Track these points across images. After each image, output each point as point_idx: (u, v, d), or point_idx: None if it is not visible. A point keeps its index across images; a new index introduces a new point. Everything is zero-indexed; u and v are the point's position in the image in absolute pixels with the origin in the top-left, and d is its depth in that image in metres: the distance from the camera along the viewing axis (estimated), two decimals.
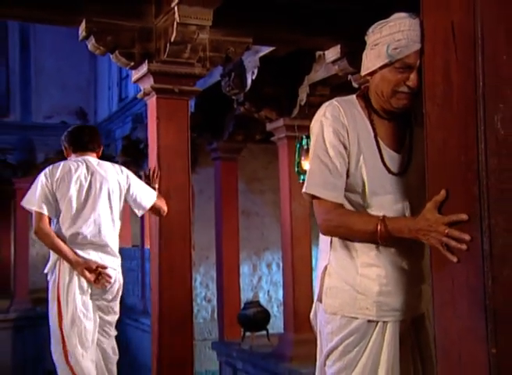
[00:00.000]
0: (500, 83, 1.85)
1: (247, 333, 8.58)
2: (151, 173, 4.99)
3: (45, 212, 4.57)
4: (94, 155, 4.88)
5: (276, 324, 10.32)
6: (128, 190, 4.80)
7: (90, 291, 4.63)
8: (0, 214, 17.89)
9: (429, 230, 2.10)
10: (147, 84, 5.01)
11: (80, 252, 4.58)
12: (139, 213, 4.92)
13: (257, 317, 8.46)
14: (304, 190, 2.52)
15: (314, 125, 2.52)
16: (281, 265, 8.58)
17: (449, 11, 1.95)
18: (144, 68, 4.94)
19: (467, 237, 1.93)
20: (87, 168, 4.72)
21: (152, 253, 5.13)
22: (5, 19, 11.89)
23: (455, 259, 1.97)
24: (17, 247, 14.43)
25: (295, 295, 7.43)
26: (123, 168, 4.94)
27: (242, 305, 8.96)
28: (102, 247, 4.67)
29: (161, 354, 4.92)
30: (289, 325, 7.60)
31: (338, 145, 2.43)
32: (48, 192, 4.61)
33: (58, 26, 8.01)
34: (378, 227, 2.30)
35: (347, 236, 2.48)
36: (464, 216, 1.95)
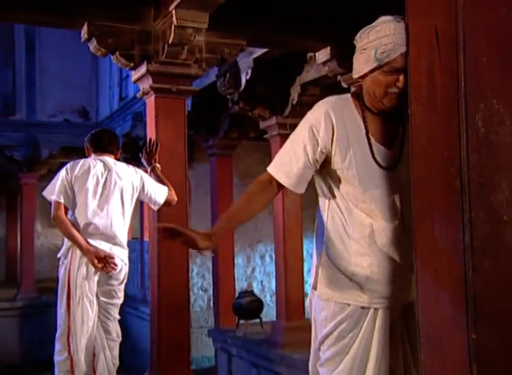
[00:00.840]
0: (481, 83, 1.86)
1: (242, 321, 8.59)
2: (150, 146, 5.01)
3: (63, 201, 4.78)
4: (112, 156, 5.10)
5: (269, 312, 10.33)
6: (142, 189, 4.97)
7: (96, 277, 4.81)
8: (7, 208, 17.91)
9: None
10: (146, 84, 5.01)
11: (91, 241, 4.77)
12: (155, 208, 5.04)
13: (251, 306, 8.47)
14: (268, 167, 2.63)
15: (303, 119, 2.59)
16: (273, 256, 8.58)
17: (432, 16, 1.95)
18: (143, 68, 4.94)
19: None
20: (104, 166, 4.93)
21: (151, 245, 5.14)
22: (12, 23, 11.86)
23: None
24: (23, 239, 14.40)
25: (287, 285, 7.44)
26: (137, 169, 5.10)
27: (236, 295, 8.97)
28: (112, 238, 4.85)
29: (160, 340, 4.94)
30: (281, 313, 7.62)
31: (308, 142, 2.50)
32: (66, 185, 4.82)
33: (62, 28, 7.98)
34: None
35: None
36: None
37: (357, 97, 2.58)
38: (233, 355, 8.47)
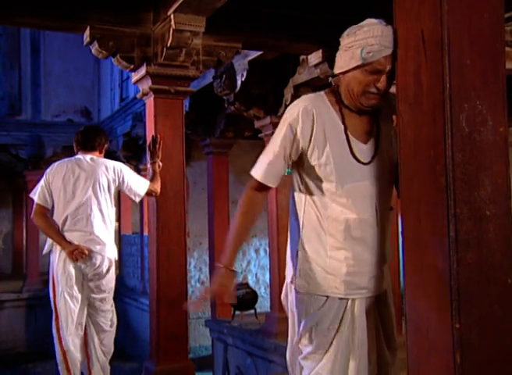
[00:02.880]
0: (465, 85, 1.86)
1: (237, 312, 8.58)
2: (154, 143, 4.98)
3: (40, 202, 4.94)
4: (96, 153, 5.13)
5: (263, 304, 10.35)
6: (122, 182, 4.98)
7: (74, 271, 4.88)
8: (13, 204, 17.92)
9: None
10: (146, 85, 5.00)
11: (68, 237, 4.85)
12: (136, 199, 5.07)
13: (246, 298, 8.45)
14: (252, 171, 2.60)
15: (283, 116, 2.60)
16: (268, 250, 8.58)
17: (419, 20, 1.95)
18: (142, 70, 4.93)
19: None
20: (78, 165, 4.98)
21: (151, 239, 5.13)
22: (18, 27, 11.86)
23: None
24: (29, 233, 14.42)
25: (280, 278, 7.42)
26: (117, 164, 5.10)
27: None
28: (88, 233, 4.88)
29: (159, 330, 4.93)
30: (275, 305, 7.61)
31: (287, 141, 2.50)
32: (45, 187, 4.97)
33: (65, 32, 7.97)
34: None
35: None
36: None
37: (334, 94, 2.57)
38: (229, 344, 8.48)
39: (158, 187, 4.91)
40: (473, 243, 1.85)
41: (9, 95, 13.97)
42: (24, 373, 12.32)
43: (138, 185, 4.95)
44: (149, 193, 4.94)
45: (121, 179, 4.98)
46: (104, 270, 4.95)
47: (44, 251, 5.04)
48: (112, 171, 4.98)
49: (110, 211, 5.02)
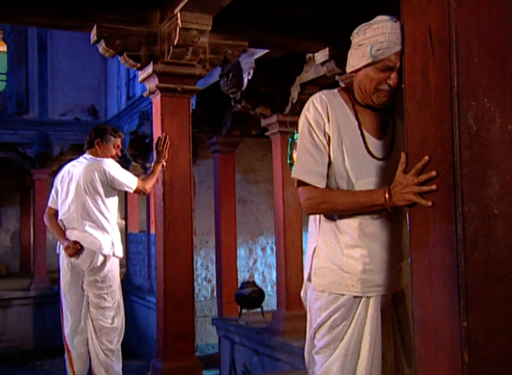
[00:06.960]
0: (473, 83, 1.85)
1: (244, 311, 8.58)
2: (160, 143, 4.98)
3: (50, 204, 5.25)
4: (93, 150, 5.22)
5: (270, 302, 10.35)
6: (110, 178, 5.02)
7: (70, 269, 5.02)
8: (21, 202, 17.95)
9: (405, 189, 2.14)
10: (153, 84, 5.00)
11: (68, 234, 5.04)
12: (129, 191, 5.18)
13: (252, 296, 8.45)
14: (292, 175, 2.55)
15: (301, 118, 2.56)
16: (274, 248, 8.57)
17: (427, 17, 1.95)
18: (149, 69, 4.93)
19: (433, 172, 1.97)
20: (73, 165, 5.18)
21: (157, 238, 5.13)
22: (26, 26, 11.89)
23: (430, 203, 1.98)
24: (36, 232, 14.45)
25: (287, 276, 7.43)
26: (105, 160, 5.10)
27: (239, 285, 8.96)
28: (82, 231, 5.00)
29: (166, 328, 4.94)
30: (282, 303, 7.61)
31: (320, 136, 2.47)
32: (53, 189, 5.26)
33: (73, 31, 7.98)
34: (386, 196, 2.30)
35: (330, 210, 2.49)
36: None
37: (347, 91, 2.57)
38: (236, 342, 8.48)
39: (147, 186, 4.99)
40: (481, 241, 1.84)
41: (17, 94, 14.00)
42: (32, 371, 12.35)
43: (127, 179, 5.04)
44: (137, 190, 5.05)
45: (107, 174, 5.01)
46: (99, 266, 4.99)
47: (57, 251, 5.16)
48: (97, 168, 5.02)
49: (102, 208, 5.05)
